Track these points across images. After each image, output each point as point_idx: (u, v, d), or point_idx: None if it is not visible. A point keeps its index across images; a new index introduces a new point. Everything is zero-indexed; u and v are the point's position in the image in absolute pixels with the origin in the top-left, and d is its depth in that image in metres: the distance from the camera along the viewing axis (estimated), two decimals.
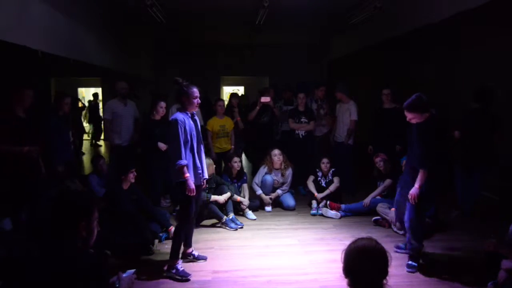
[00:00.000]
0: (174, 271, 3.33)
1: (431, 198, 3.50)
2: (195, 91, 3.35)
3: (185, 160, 3.24)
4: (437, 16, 5.90)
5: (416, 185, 3.35)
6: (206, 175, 3.57)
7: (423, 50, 6.77)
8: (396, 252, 3.78)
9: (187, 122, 3.31)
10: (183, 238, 3.46)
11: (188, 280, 3.30)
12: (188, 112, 3.37)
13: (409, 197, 3.37)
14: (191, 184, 3.25)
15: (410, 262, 3.48)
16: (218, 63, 11.85)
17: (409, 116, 3.35)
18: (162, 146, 5.00)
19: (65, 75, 11.26)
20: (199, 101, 3.40)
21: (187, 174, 3.24)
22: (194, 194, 3.29)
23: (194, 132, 3.37)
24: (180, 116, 3.28)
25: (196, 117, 3.48)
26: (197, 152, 3.43)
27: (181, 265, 3.39)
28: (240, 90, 14.44)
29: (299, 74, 11.23)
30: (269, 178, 5.38)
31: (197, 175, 3.39)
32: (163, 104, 5.07)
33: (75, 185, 4.40)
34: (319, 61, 11.78)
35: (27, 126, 3.95)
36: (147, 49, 11.13)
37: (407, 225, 3.51)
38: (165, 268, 3.41)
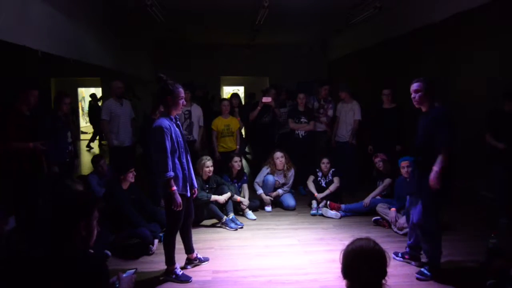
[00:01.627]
0: (174, 276, 3.28)
1: (446, 194, 3.23)
2: (181, 91, 3.09)
3: (172, 172, 3.01)
4: (437, 16, 5.91)
5: (436, 168, 3.06)
6: (196, 185, 3.41)
7: (423, 50, 6.77)
8: (394, 259, 3.60)
9: (173, 128, 3.05)
10: (174, 244, 3.31)
11: (189, 281, 3.27)
12: (172, 116, 3.12)
13: (430, 183, 3.08)
14: (178, 198, 3.04)
15: (424, 269, 3.32)
16: (218, 63, 11.84)
17: (414, 87, 3.24)
18: None
19: (65, 75, 11.26)
20: (185, 102, 3.18)
21: (174, 188, 3.01)
22: (181, 208, 3.08)
23: (180, 139, 3.13)
24: (165, 122, 3.00)
25: (178, 122, 3.22)
26: (186, 161, 3.20)
27: (179, 270, 3.35)
28: (240, 90, 14.45)
29: (299, 74, 11.23)
30: (271, 178, 5.38)
31: (186, 186, 3.19)
32: None
33: (76, 184, 4.37)
34: (319, 61, 11.78)
35: (32, 124, 4.04)
36: (147, 49, 11.13)
37: (421, 229, 3.31)
38: (164, 275, 3.33)
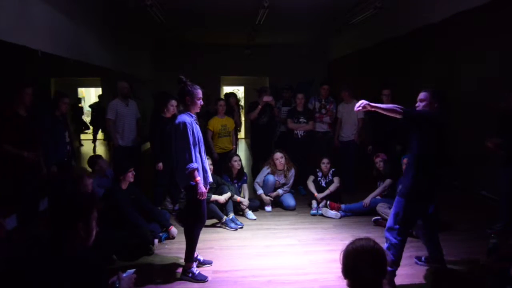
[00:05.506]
0: (190, 275, 3.29)
1: (423, 197, 3.16)
2: (200, 92, 3.30)
3: (196, 163, 3.18)
4: (437, 16, 5.91)
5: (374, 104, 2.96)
6: (211, 178, 3.50)
7: (423, 50, 6.77)
8: (417, 263, 3.56)
9: (194, 124, 3.26)
10: (196, 240, 3.37)
11: (205, 281, 3.27)
12: (192, 114, 3.31)
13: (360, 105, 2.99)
14: (202, 187, 3.21)
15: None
16: (218, 63, 11.84)
17: (420, 96, 3.17)
18: (160, 166, 4.99)
19: (65, 75, 11.24)
20: (202, 102, 3.35)
21: (198, 178, 3.18)
22: (205, 197, 3.26)
23: (200, 135, 3.33)
24: (187, 118, 3.21)
25: (195, 120, 3.40)
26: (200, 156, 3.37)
27: (196, 268, 3.36)
28: (240, 90, 14.45)
29: (299, 74, 11.23)
30: (271, 178, 5.38)
31: (205, 178, 3.35)
32: (174, 102, 5.06)
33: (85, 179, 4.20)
34: (319, 61, 11.79)
35: (29, 125, 4.01)
36: (147, 49, 11.13)
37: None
38: (180, 271, 3.36)
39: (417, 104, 3.25)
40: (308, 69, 11.44)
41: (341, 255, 1.72)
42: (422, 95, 3.22)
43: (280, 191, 5.45)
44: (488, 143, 4.16)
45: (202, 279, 3.28)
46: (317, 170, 5.45)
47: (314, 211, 5.13)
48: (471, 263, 3.56)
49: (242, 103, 11.23)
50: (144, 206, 4.21)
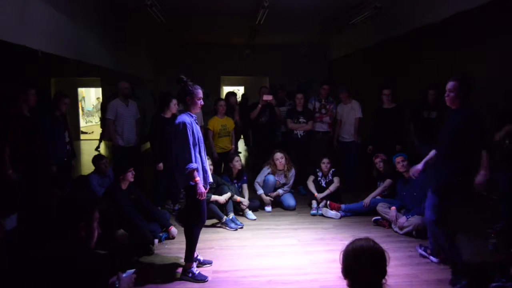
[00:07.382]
0: (190, 275, 3.30)
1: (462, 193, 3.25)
2: (200, 92, 3.30)
3: (195, 163, 3.18)
4: (438, 16, 5.91)
5: (483, 171, 3.08)
6: (211, 179, 3.50)
7: (423, 50, 6.77)
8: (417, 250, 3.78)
9: (194, 124, 3.26)
10: (196, 240, 3.37)
11: (205, 281, 3.27)
12: (192, 114, 3.31)
13: (478, 186, 3.12)
14: (201, 187, 3.21)
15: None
16: (218, 63, 11.84)
17: (448, 86, 3.18)
18: (160, 166, 4.99)
19: (65, 75, 11.25)
20: (202, 102, 3.35)
21: (198, 178, 3.18)
22: (205, 197, 3.26)
23: (200, 135, 3.33)
24: (187, 118, 3.21)
25: (196, 120, 3.40)
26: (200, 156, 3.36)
27: (196, 268, 3.36)
28: (240, 90, 14.46)
29: (299, 74, 11.23)
30: (271, 178, 5.37)
31: (205, 178, 3.34)
32: (175, 101, 5.06)
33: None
34: (319, 61, 11.79)
35: (32, 125, 4.01)
36: (147, 49, 11.13)
37: (430, 226, 3.33)
38: (180, 271, 3.37)
39: (446, 94, 3.23)
40: (308, 69, 11.44)
41: (341, 255, 1.73)
42: (449, 85, 3.20)
43: (280, 191, 5.45)
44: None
45: (202, 279, 3.28)
46: (317, 170, 5.46)
47: (314, 211, 5.13)
48: (472, 263, 3.55)
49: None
50: (144, 206, 4.21)
